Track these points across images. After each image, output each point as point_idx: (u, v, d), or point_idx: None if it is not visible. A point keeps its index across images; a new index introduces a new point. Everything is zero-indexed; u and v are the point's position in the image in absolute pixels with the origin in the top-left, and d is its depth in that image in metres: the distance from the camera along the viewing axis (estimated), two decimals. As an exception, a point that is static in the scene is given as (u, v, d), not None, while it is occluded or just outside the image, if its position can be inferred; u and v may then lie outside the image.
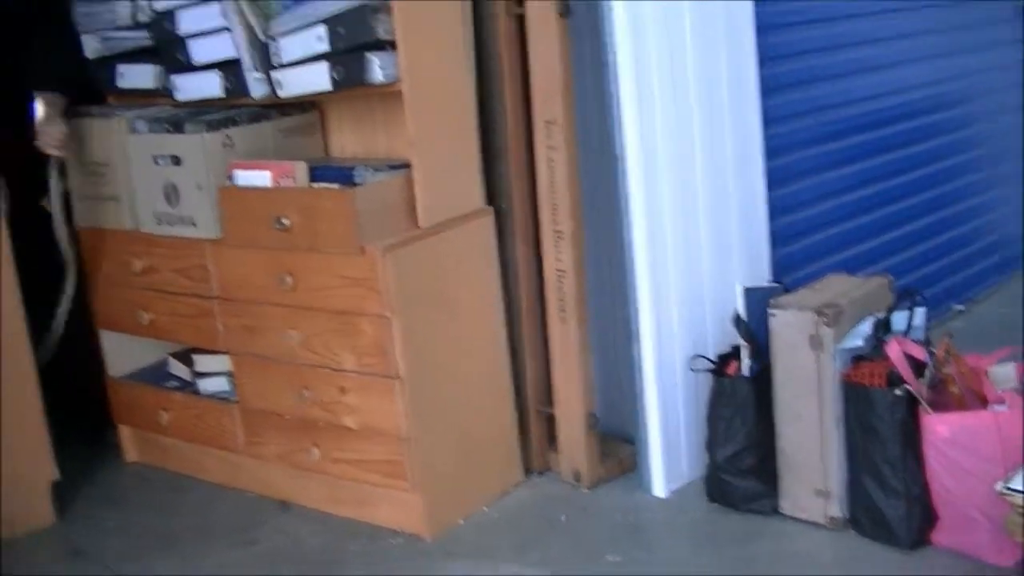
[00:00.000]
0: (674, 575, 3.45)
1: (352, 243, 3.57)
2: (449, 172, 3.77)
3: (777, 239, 4.16)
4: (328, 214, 3.61)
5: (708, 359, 3.78)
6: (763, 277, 4.03)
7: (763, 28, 3.99)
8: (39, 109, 4.15)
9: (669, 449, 3.85)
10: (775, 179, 4.12)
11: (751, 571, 3.44)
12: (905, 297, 3.63)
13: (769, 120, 4.06)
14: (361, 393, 3.72)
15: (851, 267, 4.14)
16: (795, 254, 4.27)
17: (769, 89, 4.04)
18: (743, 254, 4.01)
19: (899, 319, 3.57)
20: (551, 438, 4.09)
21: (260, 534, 3.92)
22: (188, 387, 4.36)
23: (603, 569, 3.49)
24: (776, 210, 4.14)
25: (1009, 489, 3.11)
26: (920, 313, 3.59)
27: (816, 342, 3.47)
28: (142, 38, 4.18)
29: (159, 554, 3.86)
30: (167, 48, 4.08)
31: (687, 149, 3.79)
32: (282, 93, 3.81)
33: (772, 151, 4.09)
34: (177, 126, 3.99)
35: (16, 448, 4.01)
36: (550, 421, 4.07)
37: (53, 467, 4.12)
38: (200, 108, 4.11)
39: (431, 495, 3.74)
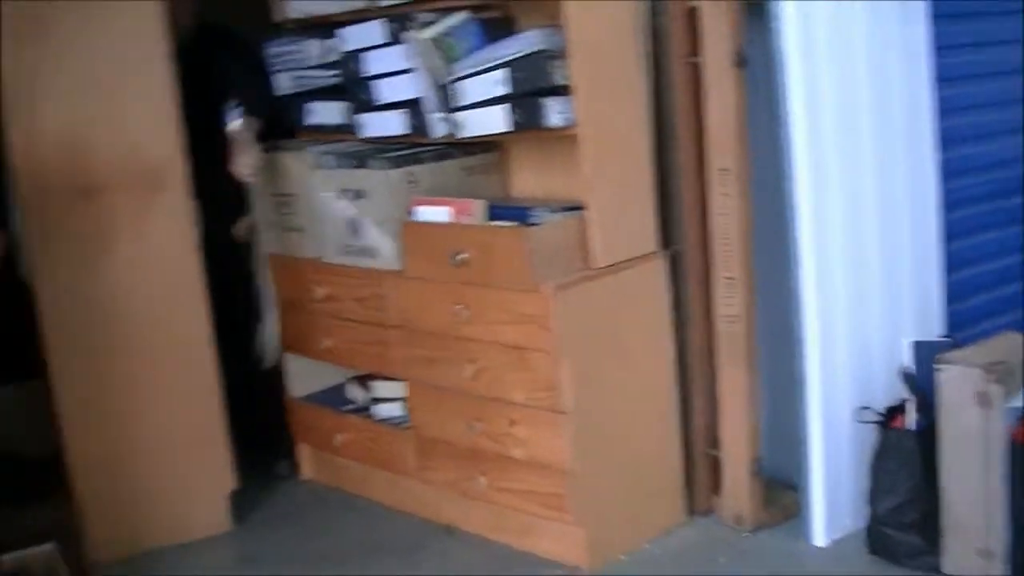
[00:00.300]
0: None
1: (526, 280, 3.69)
2: (623, 215, 3.85)
3: (952, 294, 4.13)
4: (504, 251, 3.73)
5: (875, 411, 3.79)
6: (935, 331, 4.01)
7: (940, 80, 3.99)
8: (237, 135, 4.34)
9: (831, 498, 3.86)
10: (951, 233, 4.10)
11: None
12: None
13: (946, 173, 4.05)
14: (529, 426, 3.83)
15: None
16: (969, 310, 4.21)
17: (946, 142, 4.03)
18: (915, 307, 4.00)
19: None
20: (716, 481, 4.13)
21: (423, 557, 4.06)
22: (364, 411, 4.52)
23: (756, 612, 3.54)
24: (952, 264, 4.12)
25: None
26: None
27: (984, 399, 3.45)
28: (330, 77, 4.39)
29: (325, 568, 4.03)
30: (354, 87, 4.26)
31: (860, 201, 3.81)
32: (462, 134, 3.96)
33: (949, 205, 4.08)
34: (363, 162, 4.16)
35: (198, 457, 4.26)
36: (716, 464, 4.11)
37: (232, 477, 4.33)
38: (383, 145, 4.28)
39: (593, 529, 3.83)
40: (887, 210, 3.89)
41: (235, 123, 4.35)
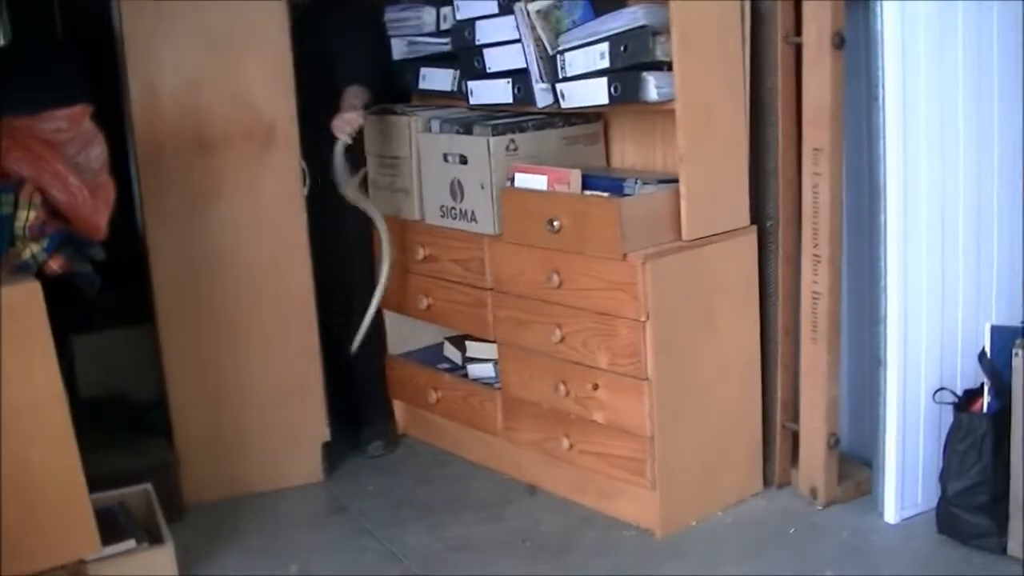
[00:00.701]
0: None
1: (615, 249, 3.80)
2: (716, 189, 3.95)
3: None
4: (595, 220, 3.84)
5: (954, 393, 3.84)
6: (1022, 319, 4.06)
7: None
8: (347, 98, 4.47)
9: (904, 476, 3.92)
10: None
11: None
12: None
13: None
14: (612, 391, 3.94)
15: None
16: None
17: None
18: (1003, 294, 4.02)
19: None
20: (795, 454, 4.21)
21: (506, 513, 4.21)
22: (458, 370, 4.68)
23: (821, 583, 3.63)
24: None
25: None
26: None
27: (1056, 386, 3.51)
28: (444, 44, 4.53)
29: (412, 519, 4.19)
30: (465, 55, 4.41)
31: (950, 185, 3.84)
32: (564, 104, 4.09)
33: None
34: (467, 128, 4.30)
35: (295, 408, 4.45)
36: (795, 438, 4.19)
37: (326, 429, 4.51)
38: (493, 112, 4.41)
39: (667, 494, 3.93)
40: (978, 195, 3.91)
41: (349, 89, 4.49)
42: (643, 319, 3.79)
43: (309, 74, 4.45)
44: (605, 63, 3.91)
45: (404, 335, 4.95)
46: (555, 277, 4.00)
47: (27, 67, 4.83)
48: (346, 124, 4.42)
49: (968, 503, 3.74)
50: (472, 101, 4.43)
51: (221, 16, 4.18)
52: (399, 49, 4.71)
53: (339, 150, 4.43)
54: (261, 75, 4.28)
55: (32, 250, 3.57)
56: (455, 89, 4.54)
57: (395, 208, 4.64)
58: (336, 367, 4.71)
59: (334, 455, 4.63)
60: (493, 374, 4.47)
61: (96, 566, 3.60)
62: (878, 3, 3.68)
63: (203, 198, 4.25)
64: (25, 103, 3.87)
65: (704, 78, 3.85)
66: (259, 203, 4.32)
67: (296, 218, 4.38)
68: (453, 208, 4.37)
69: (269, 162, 4.31)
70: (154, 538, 3.81)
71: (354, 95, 4.48)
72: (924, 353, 3.89)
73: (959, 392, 3.85)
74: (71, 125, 3.79)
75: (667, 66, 3.82)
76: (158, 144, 4.18)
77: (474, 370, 4.58)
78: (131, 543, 3.71)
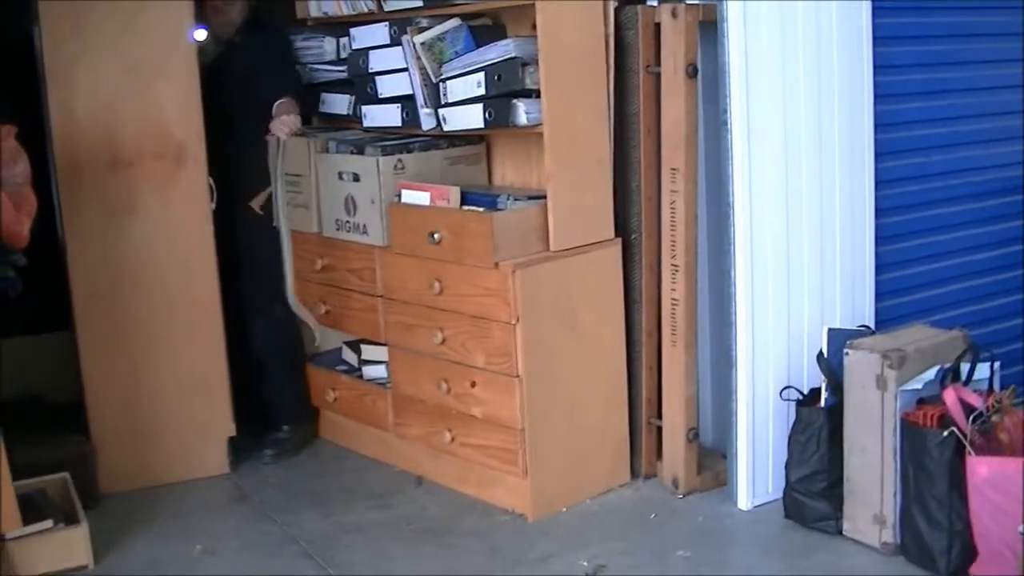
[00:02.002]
0: (724, 572, 3.94)
1: (488, 259, 4.18)
2: (582, 205, 4.33)
3: (883, 293, 4.55)
4: (471, 233, 4.23)
5: (799, 391, 4.23)
6: (865, 321, 4.45)
7: (879, 97, 4.42)
8: (280, 107, 4.68)
9: (755, 467, 4.30)
10: (883, 236, 4.53)
11: (802, 579, 3.91)
12: (976, 350, 4.01)
13: (880, 182, 4.47)
14: (487, 388, 4.32)
15: (955, 324, 4.36)
16: (899, 307, 4.62)
17: (881, 154, 4.46)
18: (847, 303, 4.43)
19: (967, 370, 3.95)
20: (660, 448, 4.59)
21: (396, 501, 4.57)
22: (355, 372, 5.04)
23: (672, 562, 3.99)
24: (883, 266, 4.55)
25: None
26: (985, 366, 3.97)
27: (881, 382, 3.89)
28: (341, 71, 4.91)
29: (308, 507, 4.55)
30: (360, 81, 4.79)
31: (794, 203, 4.24)
32: (446, 128, 4.47)
33: (881, 211, 4.50)
34: (360, 149, 4.68)
35: (202, 404, 4.80)
36: (660, 433, 4.57)
37: (231, 424, 4.87)
38: (385, 135, 4.79)
39: (539, 482, 4.31)
40: (820, 209, 4.32)
41: (281, 101, 4.70)
42: (513, 322, 4.17)
43: (236, 93, 4.81)
44: (481, 91, 4.30)
45: (308, 340, 5.26)
46: (436, 284, 4.38)
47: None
48: (284, 125, 4.64)
49: (808, 489, 4.13)
50: (366, 124, 4.82)
51: (135, 44, 4.54)
52: (304, 75, 5.08)
53: (280, 145, 4.66)
54: (171, 99, 4.64)
55: (-43, 258, 3.93)
56: (351, 113, 4.92)
57: (296, 222, 4.97)
58: (249, 371, 5.07)
59: (240, 449, 4.97)
60: (386, 375, 4.84)
61: (17, 543, 3.97)
62: (725, 36, 4.09)
63: (118, 212, 4.60)
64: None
65: (570, 104, 4.24)
66: (170, 217, 4.67)
67: (204, 230, 4.74)
68: (347, 222, 4.74)
69: (179, 179, 4.67)
70: (71, 521, 4.16)
71: (288, 104, 4.69)
72: (771, 354, 4.28)
73: (805, 390, 4.24)
74: (-5, 144, 4.14)
75: (536, 93, 4.22)
76: (76, 162, 4.53)
77: (369, 371, 4.95)
78: (48, 523, 4.07)
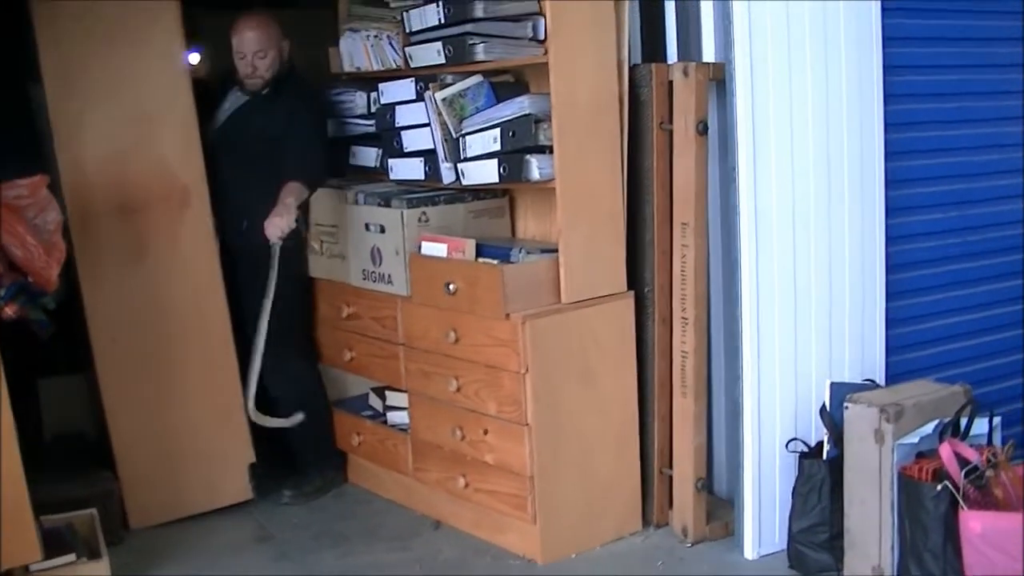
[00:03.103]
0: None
1: (499, 310, 4.31)
2: (593, 258, 4.44)
3: (894, 348, 4.60)
4: (484, 284, 4.36)
5: (805, 443, 4.30)
6: (875, 376, 4.51)
7: (890, 154, 4.49)
8: (282, 196, 4.73)
9: (762, 517, 4.37)
10: (895, 292, 4.59)
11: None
12: (976, 406, 4.04)
13: (890, 237, 4.54)
14: (499, 435, 4.44)
15: (965, 380, 4.38)
16: (910, 362, 4.66)
17: (893, 209, 4.54)
18: (856, 358, 4.49)
19: (965, 424, 3.99)
20: (671, 497, 4.67)
21: (413, 544, 4.70)
22: (379, 417, 5.17)
23: (675, 609, 4.10)
24: (894, 321, 4.60)
25: None
26: (984, 422, 4.02)
27: (879, 436, 3.95)
28: (370, 125, 5.06)
29: (328, 547, 4.69)
30: (387, 135, 4.93)
31: (802, 258, 4.33)
32: (464, 181, 4.61)
33: (893, 267, 4.57)
34: (387, 201, 4.82)
35: (221, 434, 4.99)
36: (671, 482, 4.66)
37: (251, 451, 5.04)
38: (414, 188, 4.93)
39: (549, 528, 4.41)
40: (828, 267, 4.40)
41: (288, 185, 4.76)
42: (523, 371, 4.29)
43: (258, 148, 4.95)
44: (497, 146, 4.43)
45: (337, 385, 5.45)
46: (452, 334, 4.51)
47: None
48: (276, 229, 4.68)
49: (810, 540, 4.20)
50: (391, 176, 4.95)
51: (136, 95, 4.74)
52: (333, 128, 5.24)
53: (275, 253, 4.71)
54: (174, 144, 4.86)
55: (-10, 298, 4.13)
56: (378, 165, 5.06)
57: (332, 271, 5.15)
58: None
59: (261, 476, 5.12)
60: (407, 421, 4.96)
61: (39, 574, 4.15)
62: (733, 95, 4.20)
63: (130, 255, 4.80)
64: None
65: (582, 160, 4.36)
66: (179, 256, 4.88)
67: (211, 266, 4.96)
68: (373, 271, 4.88)
69: (185, 220, 4.87)
70: (95, 556, 4.30)
71: (290, 193, 4.75)
72: (779, 407, 4.35)
73: (812, 443, 4.32)
74: (31, 192, 4.33)
75: (550, 149, 4.35)
76: (87, 210, 4.73)
77: (392, 417, 5.08)
78: (71, 557, 4.21)
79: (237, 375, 4.99)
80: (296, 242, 4.98)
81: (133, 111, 4.77)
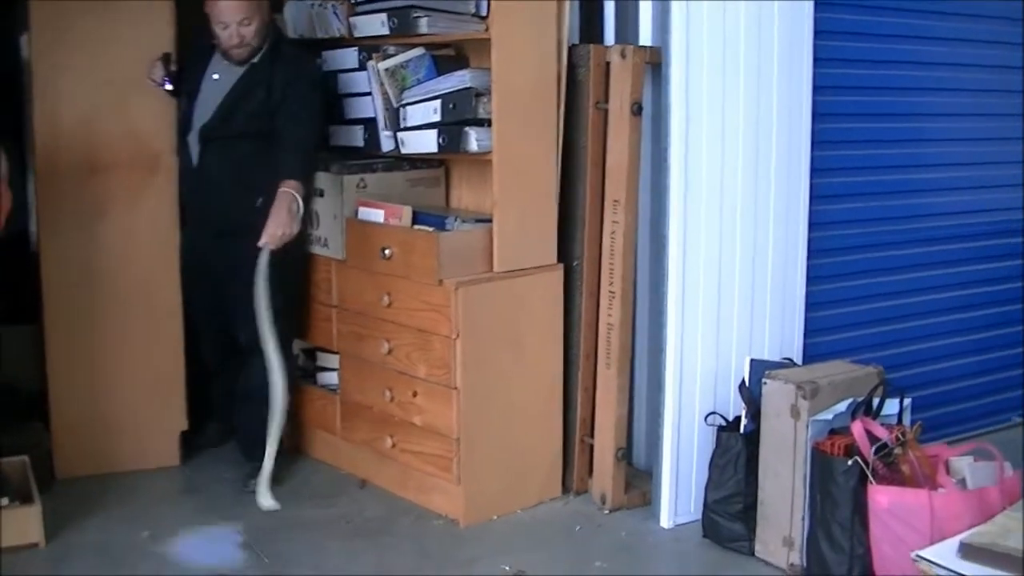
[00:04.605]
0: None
1: (433, 276, 4.43)
2: (526, 230, 4.57)
3: (812, 331, 4.78)
4: (419, 251, 4.48)
5: (723, 417, 4.45)
6: (793, 356, 4.68)
7: (817, 143, 4.67)
8: (280, 201, 4.54)
9: (678, 487, 4.52)
10: (816, 276, 4.77)
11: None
12: (887, 387, 4.21)
13: (813, 224, 4.71)
14: (428, 397, 4.56)
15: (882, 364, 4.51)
16: (826, 344, 4.82)
17: (817, 197, 4.71)
18: (776, 338, 4.66)
19: (877, 404, 4.16)
20: (592, 465, 4.82)
21: (338, 502, 4.81)
22: (310, 378, 5.27)
23: (589, 570, 4.22)
24: (814, 305, 4.78)
25: (920, 557, 3.64)
26: (895, 402, 4.20)
27: (795, 411, 4.11)
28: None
29: (255, 503, 4.74)
30: (332, 103, 5.02)
31: (728, 238, 4.48)
32: (403, 150, 4.73)
33: (815, 252, 4.74)
34: (326, 166, 4.91)
35: (158, 398, 5.03)
36: (592, 451, 4.80)
37: (184, 419, 5.10)
38: (353, 155, 5.02)
39: (472, 490, 4.54)
40: (755, 248, 4.56)
41: (284, 190, 4.54)
42: (454, 337, 4.41)
43: (253, 120, 4.75)
44: (437, 117, 4.56)
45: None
46: (386, 297, 4.63)
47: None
48: (274, 240, 4.51)
49: (725, 510, 4.35)
50: (331, 143, 5.06)
51: (116, 58, 4.78)
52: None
53: (264, 260, 4.53)
54: (150, 111, 4.88)
55: (-68, 245, 4.19)
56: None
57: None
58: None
59: (191, 446, 5.21)
60: (337, 382, 5.07)
61: (-28, 519, 4.24)
62: (668, 78, 4.34)
63: (92, 214, 4.85)
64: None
65: (520, 134, 4.49)
66: (141, 220, 4.91)
67: (170, 238, 4.98)
68: (310, 234, 4.98)
69: (152, 187, 4.90)
70: (26, 501, 4.39)
71: (289, 200, 4.53)
72: (699, 381, 4.50)
73: (731, 417, 4.47)
74: (-24, 144, 4.42)
75: (488, 123, 4.47)
76: (55, 165, 4.78)
77: (323, 378, 5.19)
78: (3, 500, 4.32)
79: (180, 345, 5.06)
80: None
81: (113, 74, 4.80)
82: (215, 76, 4.80)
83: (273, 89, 4.73)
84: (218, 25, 4.66)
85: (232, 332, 4.95)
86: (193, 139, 4.80)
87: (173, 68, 4.80)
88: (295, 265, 4.99)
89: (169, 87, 4.81)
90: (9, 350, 5.28)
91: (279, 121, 4.71)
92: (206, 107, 4.79)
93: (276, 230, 4.51)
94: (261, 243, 4.52)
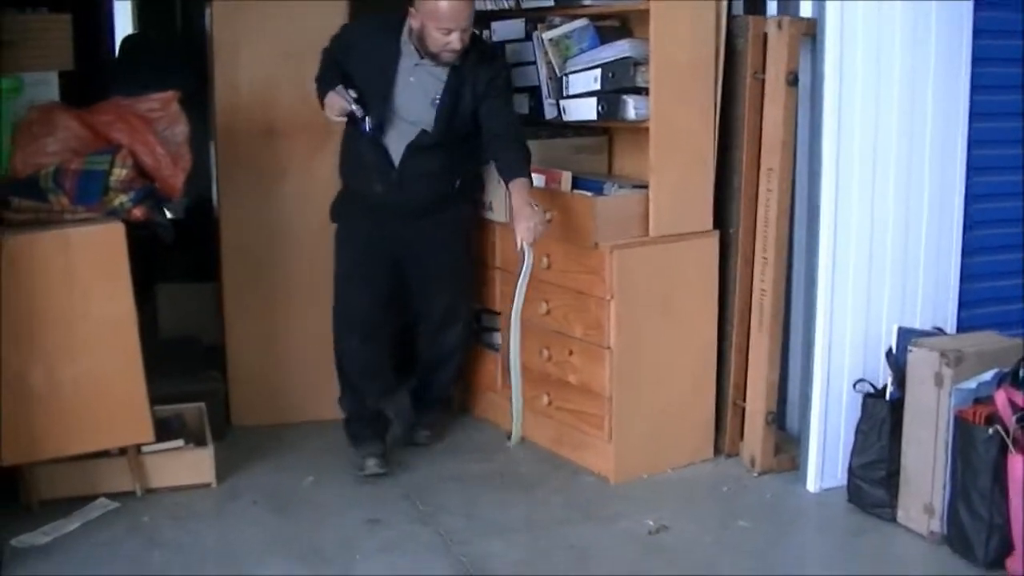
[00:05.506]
0: (776, 543, 4.28)
1: (590, 239, 4.58)
2: (681, 197, 4.70)
3: (969, 303, 4.79)
4: (577, 214, 4.63)
5: (872, 384, 4.50)
6: (946, 328, 4.70)
7: (975, 115, 4.67)
8: (521, 198, 4.46)
9: (826, 452, 4.60)
10: (973, 249, 4.78)
11: (847, 559, 4.20)
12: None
13: (970, 196, 4.72)
14: (583, 357, 4.73)
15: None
16: (984, 317, 4.78)
17: (974, 168, 4.71)
18: (929, 308, 4.69)
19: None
20: (743, 429, 4.92)
21: (495, 456, 5.03)
22: (475, 338, 5.44)
23: (731, 530, 4.36)
24: (972, 276, 4.79)
25: None
26: (1040, 373, 4.21)
27: (938, 379, 4.16)
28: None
29: (418, 455, 5.06)
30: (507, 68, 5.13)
31: (881, 208, 4.53)
32: (566, 118, 4.90)
33: (971, 224, 4.75)
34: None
35: (328, 352, 5.06)
36: (744, 415, 4.90)
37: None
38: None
39: (623, 448, 4.70)
40: (906, 213, 4.60)
41: (518, 188, 4.49)
42: (608, 298, 4.56)
43: (461, 115, 4.68)
44: (597, 86, 4.71)
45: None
46: (545, 259, 4.79)
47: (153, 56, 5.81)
48: (530, 232, 4.39)
49: (869, 476, 4.41)
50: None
51: (294, 27, 5.05)
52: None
53: (530, 259, 4.47)
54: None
55: (120, 200, 4.50)
56: (503, 95, 5.08)
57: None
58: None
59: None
60: (500, 342, 5.27)
61: (151, 456, 4.60)
62: (822, 48, 4.40)
63: (268, 176, 5.14)
64: (155, 83, 4.85)
65: (676, 103, 4.61)
66: (314, 184, 5.14)
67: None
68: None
69: (324, 151, 5.11)
70: (201, 445, 4.73)
71: (528, 198, 4.44)
72: (849, 348, 4.57)
73: (879, 385, 4.52)
74: (162, 106, 4.73)
75: (647, 91, 4.60)
76: (234, 130, 5.09)
77: (487, 338, 5.39)
78: (179, 442, 4.68)
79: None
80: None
81: (289, 45, 5.05)
82: (412, 79, 4.63)
83: (477, 87, 4.64)
84: (439, 30, 4.47)
85: (417, 309, 5.04)
86: (396, 141, 4.66)
87: (353, 94, 4.55)
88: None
89: (363, 114, 4.55)
90: (193, 305, 5.60)
91: (490, 117, 4.66)
92: (410, 111, 4.64)
93: (533, 227, 4.39)
94: (521, 246, 4.44)
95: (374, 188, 4.72)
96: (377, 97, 4.61)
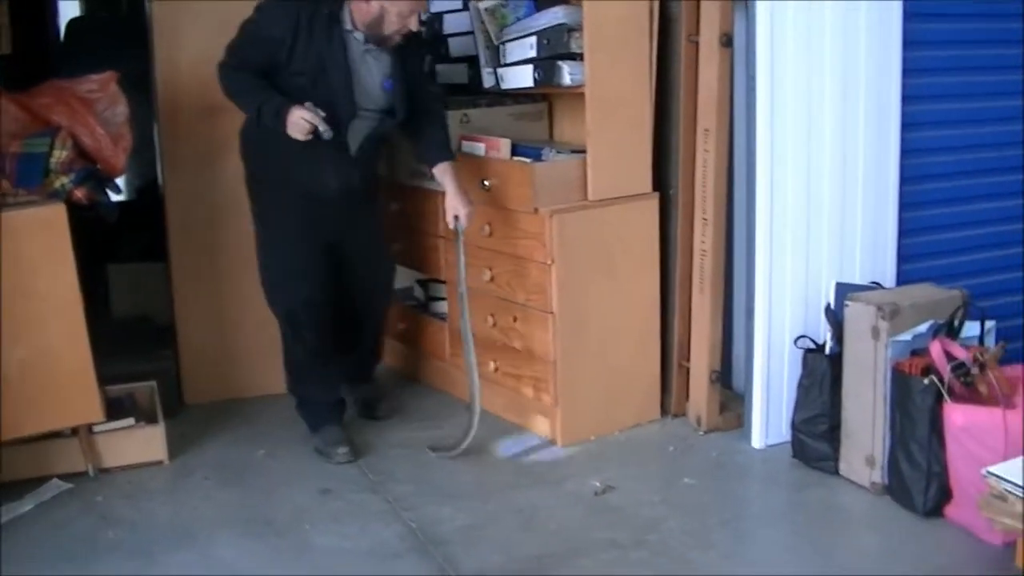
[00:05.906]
0: (721, 499, 4.34)
1: (529, 204, 4.62)
2: (620, 160, 4.73)
3: (908, 257, 4.82)
4: (516, 181, 4.67)
5: (813, 340, 4.56)
6: (885, 282, 4.75)
7: (907, 71, 4.70)
8: (451, 184, 4.66)
9: (769, 409, 4.65)
10: (911, 203, 4.80)
11: (791, 512, 4.27)
12: (969, 308, 4.27)
13: (905, 151, 4.74)
14: (526, 322, 4.77)
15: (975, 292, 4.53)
16: (922, 271, 4.80)
17: (908, 124, 4.73)
18: (868, 263, 4.72)
19: (961, 325, 4.23)
20: (688, 388, 4.97)
21: (444, 423, 5.08)
22: (422, 307, 5.52)
23: (677, 488, 4.40)
24: (909, 231, 4.81)
25: (990, 473, 3.72)
26: (975, 324, 4.25)
27: (875, 332, 4.21)
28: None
29: (365, 424, 5.10)
30: (436, 42, 5.23)
31: (816, 164, 4.56)
32: (503, 85, 4.93)
33: (908, 179, 4.77)
34: (432, 103, 5.10)
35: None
36: (689, 374, 4.96)
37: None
38: (458, 91, 5.24)
39: (569, 412, 4.74)
40: (844, 175, 4.63)
41: (446, 173, 4.65)
42: (549, 263, 4.61)
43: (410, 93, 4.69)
44: (533, 53, 4.75)
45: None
46: (487, 227, 4.83)
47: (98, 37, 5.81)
48: (467, 221, 4.62)
49: (811, 431, 4.47)
50: (439, 81, 5.26)
51: (233, 5, 4.89)
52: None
53: (461, 236, 4.66)
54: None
55: (62, 181, 4.55)
56: (427, 70, 5.32)
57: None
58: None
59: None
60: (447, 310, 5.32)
61: (103, 436, 4.62)
62: (755, 7, 4.44)
63: (211, 153, 5.15)
64: (101, 65, 4.85)
65: (612, 68, 4.64)
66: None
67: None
68: (418, 170, 5.19)
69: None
70: (152, 423, 4.76)
71: (458, 179, 4.64)
72: (789, 305, 4.61)
73: (820, 341, 4.57)
74: (101, 87, 4.75)
75: (581, 57, 4.63)
76: (176, 108, 5.11)
77: (435, 307, 5.44)
78: (130, 421, 4.71)
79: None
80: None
81: (227, 21, 4.77)
82: (363, 67, 4.55)
83: (409, 64, 4.65)
84: (398, 16, 4.41)
85: (349, 282, 4.94)
86: (355, 132, 4.61)
87: (322, 112, 4.37)
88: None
89: (327, 129, 4.38)
90: (146, 285, 5.63)
91: (419, 94, 4.70)
92: (368, 100, 4.60)
93: (465, 209, 4.59)
94: (455, 224, 4.61)
95: (327, 183, 4.64)
96: (338, 93, 4.49)
